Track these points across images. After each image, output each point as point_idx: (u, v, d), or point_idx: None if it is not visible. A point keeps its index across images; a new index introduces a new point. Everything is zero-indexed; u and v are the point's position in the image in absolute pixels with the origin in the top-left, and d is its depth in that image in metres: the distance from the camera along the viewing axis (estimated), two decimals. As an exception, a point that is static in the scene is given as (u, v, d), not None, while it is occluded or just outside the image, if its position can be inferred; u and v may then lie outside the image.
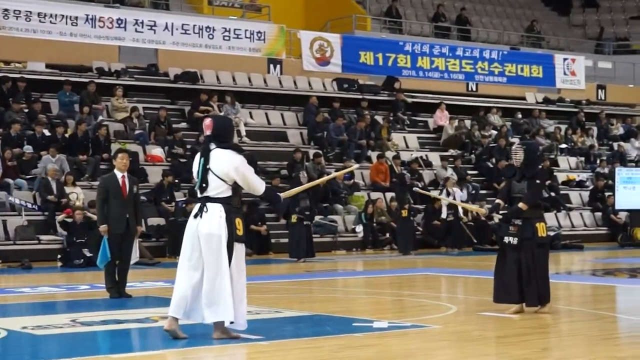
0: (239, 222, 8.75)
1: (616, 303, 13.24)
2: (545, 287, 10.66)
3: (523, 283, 10.57)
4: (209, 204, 8.71)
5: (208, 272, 8.62)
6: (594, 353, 8.33)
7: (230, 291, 8.56)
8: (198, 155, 8.93)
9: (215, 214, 8.66)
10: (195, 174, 8.90)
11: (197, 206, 8.81)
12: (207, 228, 8.63)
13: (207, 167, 8.75)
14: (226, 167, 8.70)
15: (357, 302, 12.95)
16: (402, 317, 10.68)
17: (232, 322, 8.67)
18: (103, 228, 12.68)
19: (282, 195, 9.42)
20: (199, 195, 8.83)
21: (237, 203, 8.86)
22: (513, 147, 11.15)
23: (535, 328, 9.68)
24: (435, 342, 8.97)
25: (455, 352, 8.47)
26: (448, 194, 23.79)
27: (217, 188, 8.73)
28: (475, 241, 23.87)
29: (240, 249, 8.79)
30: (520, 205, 10.64)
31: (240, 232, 8.74)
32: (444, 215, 24.00)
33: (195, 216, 8.75)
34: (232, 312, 8.58)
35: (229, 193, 8.75)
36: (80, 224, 19.34)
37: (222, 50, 26.92)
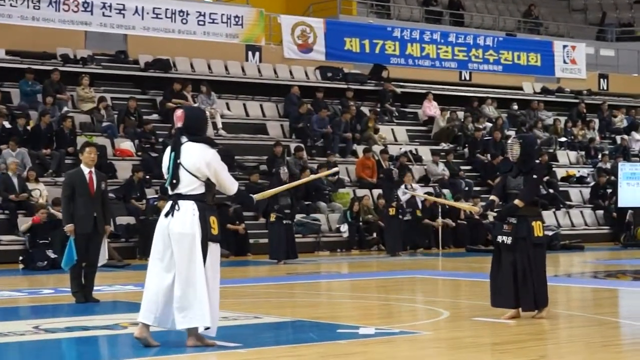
0: (213, 220, 8.75)
1: (618, 307, 13.30)
2: (542, 291, 10.69)
3: (519, 286, 10.60)
4: (180, 202, 8.70)
5: (180, 274, 8.61)
6: (595, 361, 8.39)
7: (206, 294, 8.56)
8: (168, 150, 8.91)
9: (188, 212, 8.65)
10: (165, 170, 8.89)
11: (168, 204, 8.80)
12: (179, 227, 8.62)
13: (178, 162, 8.73)
14: (198, 161, 8.69)
15: (342, 307, 12.97)
16: (390, 322, 10.70)
17: (207, 328, 8.67)
18: (69, 227, 12.63)
19: (256, 197, 9.39)
20: (170, 192, 8.82)
21: (211, 200, 8.86)
22: (509, 141, 11.18)
23: (532, 334, 9.71)
24: (425, 349, 9.00)
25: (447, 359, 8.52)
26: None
27: (189, 184, 8.72)
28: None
29: (215, 249, 8.78)
30: (516, 202, 10.66)
31: (215, 231, 8.74)
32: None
33: (167, 215, 8.73)
34: (208, 317, 8.58)
35: (202, 190, 8.74)
36: (43, 223, 19.28)
37: (197, 36, 26.86)
